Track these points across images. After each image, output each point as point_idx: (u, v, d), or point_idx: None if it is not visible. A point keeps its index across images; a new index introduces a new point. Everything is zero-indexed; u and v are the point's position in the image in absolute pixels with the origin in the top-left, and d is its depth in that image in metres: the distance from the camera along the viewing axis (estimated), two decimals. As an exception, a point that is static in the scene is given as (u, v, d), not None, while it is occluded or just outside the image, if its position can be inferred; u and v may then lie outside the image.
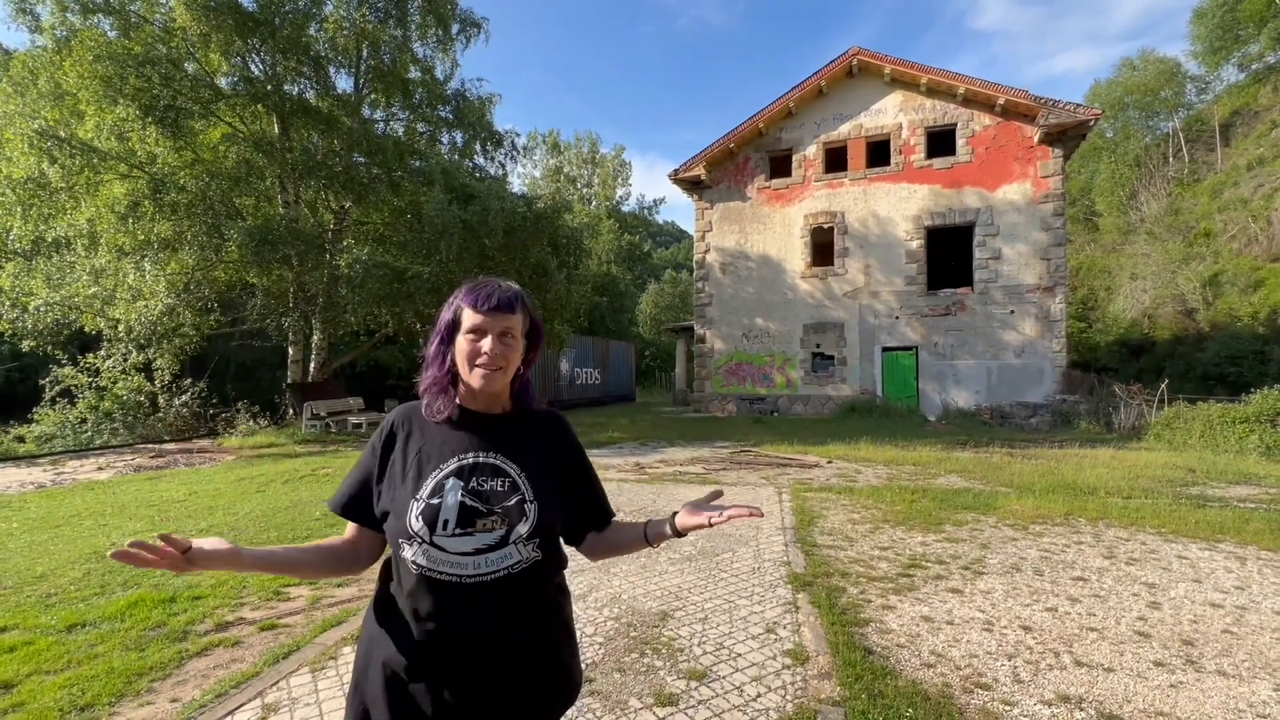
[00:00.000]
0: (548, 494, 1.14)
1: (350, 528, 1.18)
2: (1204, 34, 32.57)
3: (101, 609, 3.45)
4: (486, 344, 1.10)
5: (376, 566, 1.20)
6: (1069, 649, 2.96)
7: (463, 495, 1.06)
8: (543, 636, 1.12)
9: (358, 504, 1.15)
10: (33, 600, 3.62)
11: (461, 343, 1.12)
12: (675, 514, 1.13)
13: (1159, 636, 3.09)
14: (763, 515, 1.03)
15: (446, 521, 1.04)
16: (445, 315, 1.15)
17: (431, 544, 1.03)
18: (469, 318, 1.11)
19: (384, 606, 1.10)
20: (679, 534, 1.13)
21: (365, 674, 1.08)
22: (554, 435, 1.23)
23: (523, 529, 1.07)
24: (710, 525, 1.06)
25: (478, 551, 1.04)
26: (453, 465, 1.09)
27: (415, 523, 1.04)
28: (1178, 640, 3.05)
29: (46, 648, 2.97)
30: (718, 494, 1.14)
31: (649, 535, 1.18)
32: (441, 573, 1.03)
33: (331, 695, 2.55)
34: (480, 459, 1.11)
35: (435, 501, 1.05)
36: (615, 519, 1.28)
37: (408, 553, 1.05)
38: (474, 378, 1.11)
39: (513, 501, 1.08)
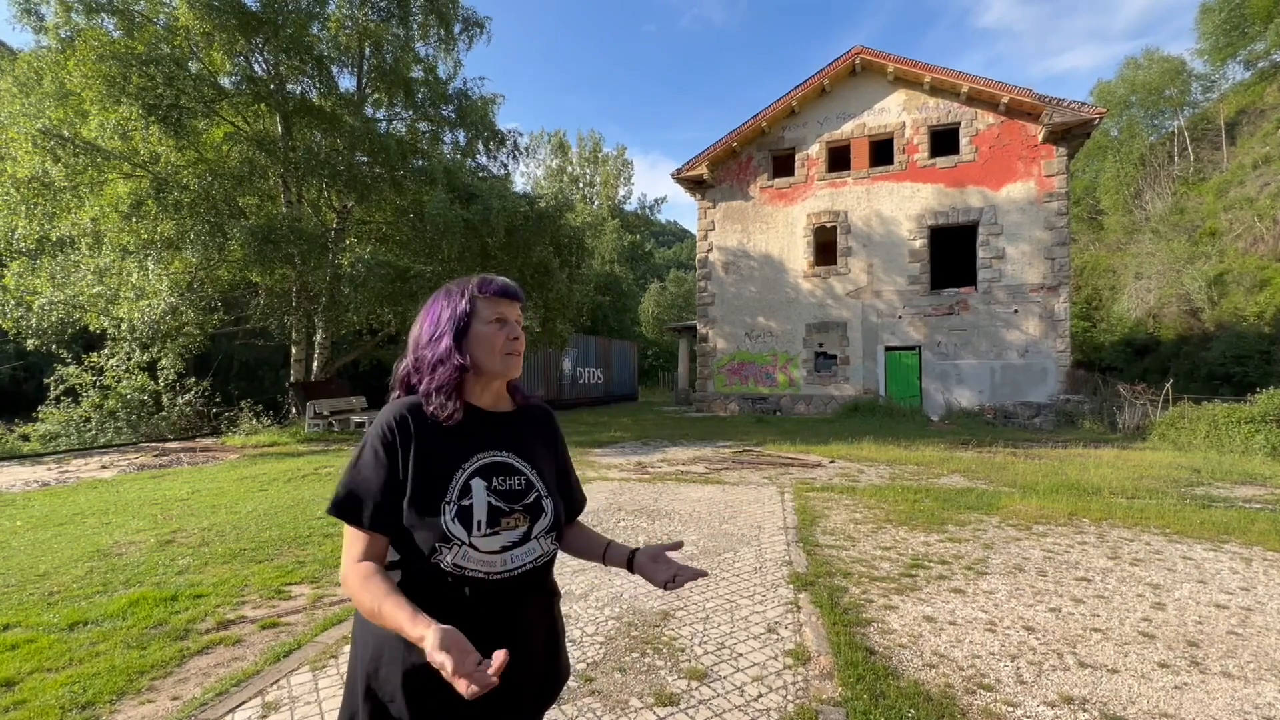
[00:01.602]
0: (555, 488, 1.19)
1: (375, 540, 1.05)
2: (1210, 30, 32.40)
3: (103, 607, 3.46)
4: (517, 330, 1.15)
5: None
6: (1072, 650, 2.94)
7: (488, 495, 1.08)
8: (551, 624, 1.18)
9: (389, 516, 1.05)
10: (35, 598, 3.63)
11: (485, 332, 1.12)
12: (636, 550, 1.23)
13: (1163, 637, 3.07)
14: (706, 575, 1.25)
15: (480, 522, 1.05)
16: (459, 308, 1.13)
17: (470, 545, 1.04)
18: (490, 306, 1.13)
19: None
20: (631, 571, 1.22)
21: (377, 674, 1.05)
22: (548, 430, 1.29)
23: (543, 524, 1.12)
24: (665, 589, 1.16)
25: (504, 549, 1.07)
26: (474, 465, 1.09)
27: (453, 525, 1.03)
28: (1182, 641, 3.03)
29: (48, 645, 2.98)
30: (678, 545, 1.21)
31: (607, 556, 1.26)
32: (476, 572, 1.05)
33: (332, 694, 2.54)
34: (496, 458, 1.12)
35: (466, 503, 1.05)
36: (579, 519, 1.35)
37: (446, 555, 1.03)
38: (505, 365, 1.13)
39: (531, 498, 1.12)
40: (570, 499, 1.30)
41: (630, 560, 1.22)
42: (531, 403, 1.27)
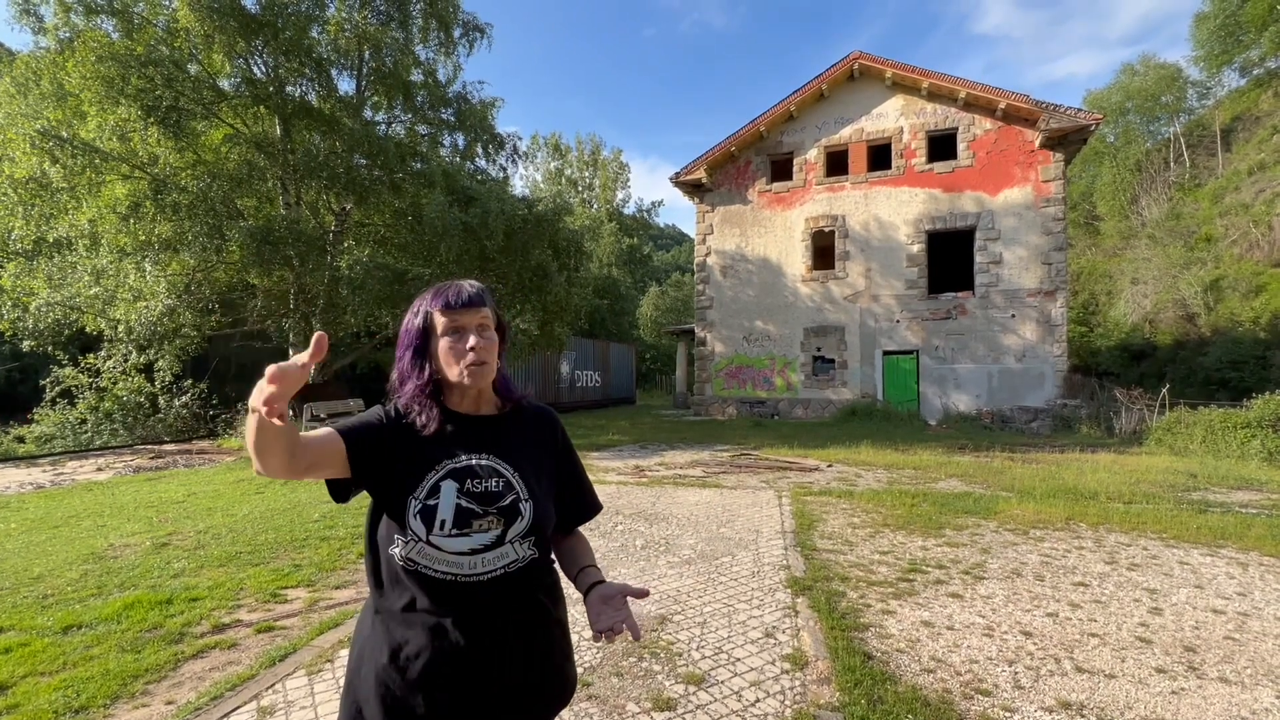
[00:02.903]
0: (541, 493, 1.15)
1: (327, 436, 1.03)
2: (1205, 38, 32.63)
3: (98, 610, 3.44)
4: (472, 340, 1.10)
5: (362, 568, 1.18)
6: (1070, 655, 2.94)
7: (458, 496, 1.07)
8: (538, 636, 1.12)
9: (358, 435, 1.06)
10: (29, 601, 3.61)
11: (442, 346, 1.11)
12: (598, 584, 1.14)
13: (1160, 643, 3.07)
14: (640, 639, 1.13)
15: (444, 521, 1.04)
16: (414, 323, 1.14)
17: (428, 542, 1.03)
18: (444, 319, 1.11)
19: (378, 608, 1.10)
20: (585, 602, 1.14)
21: (358, 674, 1.07)
22: (546, 433, 1.25)
23: (519, 528, 1.09)
24: (595, 639, 1.07)
25: (474, 551, 1.05)
26: (447, 467, 1.09)
27: (413, 521, 1.04)
28: (1179, 647, 3.03)
29: (42, 649, 2.96)
30: (643, 593, 1.11)
31: (578, 579, 1.20)
32: (436, 571, 1.04)
33: (327, 699, 2.53)
34: (474, 461, 1.11)
35: (432, 502, 1.05)
36: (579, 532, 1.31)
37: (400, 549, 1.04)
38: (465, 377, 1.10)
39: (508, 501, 1.09)
40: (573, 504, 1.27)
41: (587, 594, 1.14)
42: (525, 404, 1.24)
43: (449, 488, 1.07)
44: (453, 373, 1.11)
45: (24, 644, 3.01)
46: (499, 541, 1.06)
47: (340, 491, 1.09)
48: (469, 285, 1.14)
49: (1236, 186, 27.66)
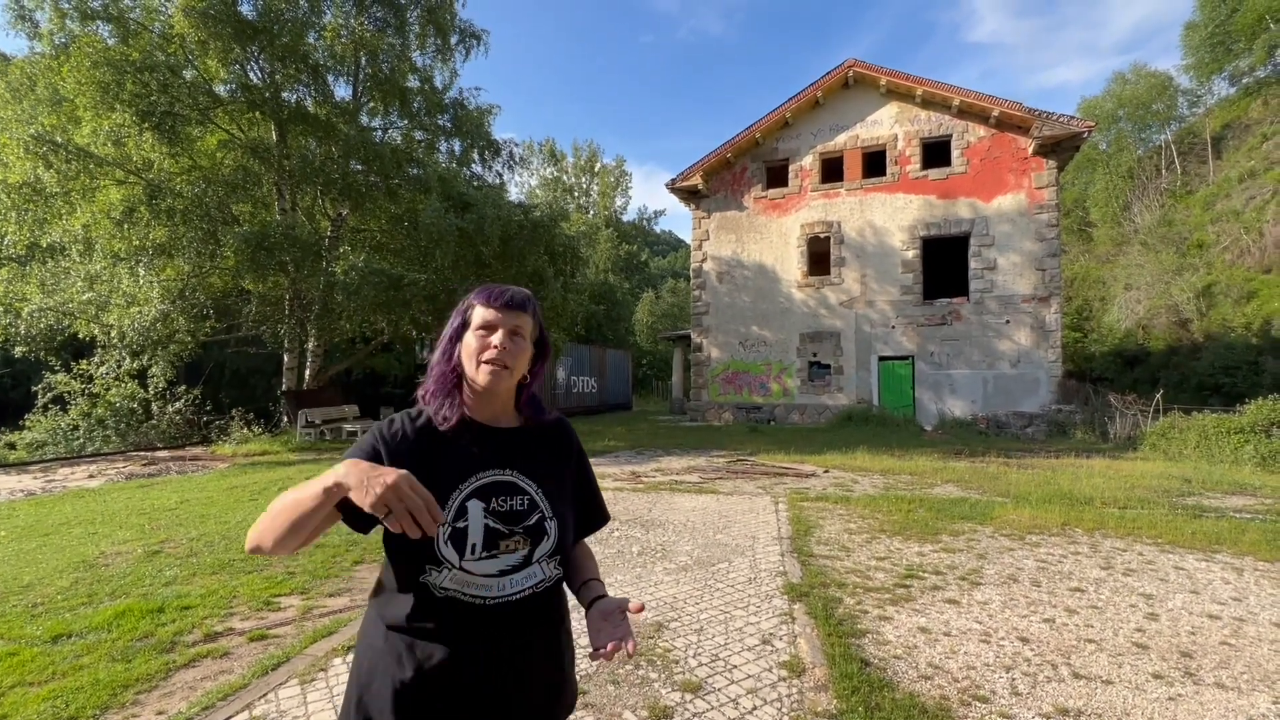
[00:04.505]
0: (563, 509, 1.14)
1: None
2: (1195, 46, 33.06)
3: (88, 619, 3.40)
4: (496, 338, 1.08)
5: (370, 578, 1.15)
6: (1067, 661, 2.94)
7: (485, 516, 1.04)
8: (554, 646, 1.12)
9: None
10: (18, 610, 3.57)
11: (470, 339, 1.10)
12: (600, 599, 1.12)
13: (1157, 648, 3.07)
14: (631, 657, 1.12)
15: (474, 545, 1.02)
16: (455, 319, 1.14)
17: (461, 569, 1.01)
18: (480, 314, 1.10)
19: (391, 624, 1.05)
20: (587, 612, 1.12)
21: (369, 689, 1.03)
22: (563, 445, 1.23)
23: (545, 547, 1.07)
24: (591, 657, 1.05)
25: (502, 573, 1.03)
26: (472, 485, 1.06)
27: (445, 548, 1.01)
28: (1176, 652, 3.03)
29: (31, 659, 2.92)
30: (639, 607, 1.08)
31: (581, 591, 1.18)
32: (467, 595, 1.01)
33: (321, 708, 2.50)
34: (497, 477, 1.08)
35: (461, 525, 1.02)
36: (584, 542, 1.29)
37: (435, 578, 1.01)
38: (480, 374, 1.07)
39: (533, 520, 1.07)
40: (584, 515, 1.25)
41: (587, 607, 1.12)
42: (546, 419, 1.21)
43: (475, 507, 1.04)
44: (470, 368, 1.09)
45: (12, 653, 2.97)
46: (526, 562, 1.05)
47: (361, 524, 1.02)
48: (517, 290, 1.14)
49: (1227, 193, 27.94)
